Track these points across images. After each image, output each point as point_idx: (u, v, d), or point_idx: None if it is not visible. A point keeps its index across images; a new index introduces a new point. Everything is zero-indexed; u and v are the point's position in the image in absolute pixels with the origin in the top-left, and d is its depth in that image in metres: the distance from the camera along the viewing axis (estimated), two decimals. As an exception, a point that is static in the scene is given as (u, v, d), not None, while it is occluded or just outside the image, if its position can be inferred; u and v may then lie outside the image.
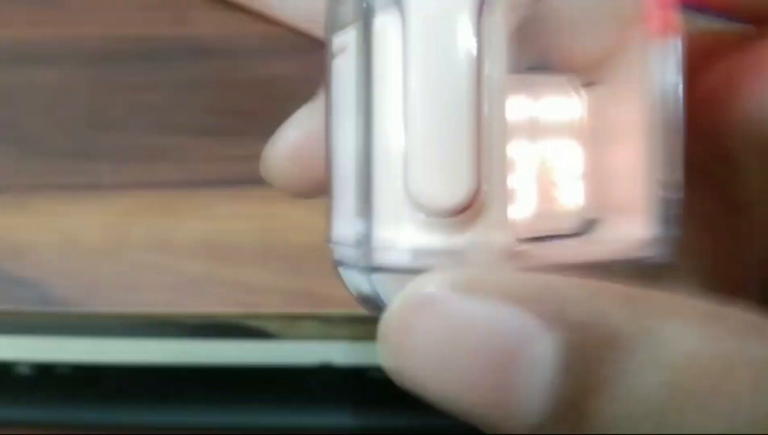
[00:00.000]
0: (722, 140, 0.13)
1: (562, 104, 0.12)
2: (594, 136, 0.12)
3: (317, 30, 0.44)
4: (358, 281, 0.12)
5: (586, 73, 0.12)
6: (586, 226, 0.12)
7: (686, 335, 0.09)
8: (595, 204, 0.12)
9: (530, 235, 0.11)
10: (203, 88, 0.42)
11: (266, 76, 0.42)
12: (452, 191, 0.10)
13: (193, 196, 0.35)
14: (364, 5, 0.10)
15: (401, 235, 0.11)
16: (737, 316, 0.10)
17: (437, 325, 0.10)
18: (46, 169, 0.37)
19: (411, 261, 0.11)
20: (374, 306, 0.12)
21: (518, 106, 0.11)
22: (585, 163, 0.12)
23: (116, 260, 0.33)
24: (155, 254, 0.33)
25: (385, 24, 0.10)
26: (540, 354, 0.09)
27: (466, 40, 0.10)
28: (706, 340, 0.09)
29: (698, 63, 0.13)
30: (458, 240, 0.10)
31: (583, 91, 0.12)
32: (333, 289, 0.31)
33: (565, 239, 0.12)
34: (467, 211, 0.10)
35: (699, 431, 0.09)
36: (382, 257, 0.11)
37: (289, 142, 0.16)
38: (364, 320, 0.31)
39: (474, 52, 0.10)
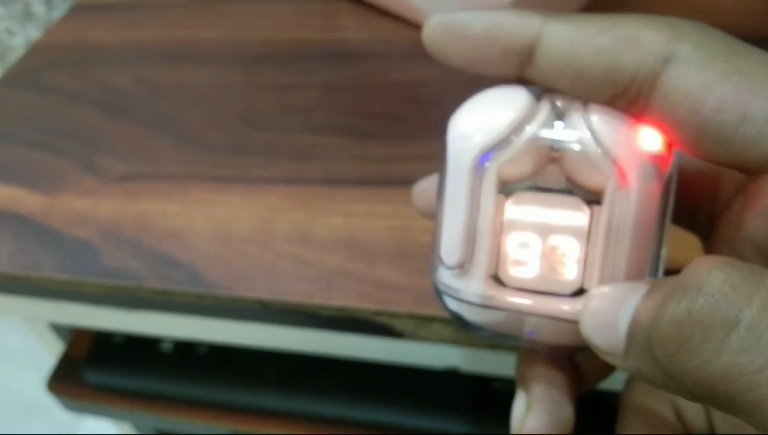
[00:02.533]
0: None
1: (571, 215, 0.18)
2: (596, 238, 0.18)
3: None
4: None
5: (592, 196, 0.18)
6: (576, 293, 0.18)
7: None
8: (587, 281, 0.18)
9: (529, 287, 0.18)
10: (349, 90, 0.44)
11: (409, 80, 0.43)
12: (451, 259, 0.19)
13: (334, 194, 0.36)
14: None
15: (439, 277, 0.20)
16: None
17: None
18: (203, 161, 0.39)
19: (441, 290, 0.20)
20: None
21: (535, 213, 0.18)
22: (582, 253, 0.18)
23: (261, 249, 0.34)
24: (297, 247, 0.34)
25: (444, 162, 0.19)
26: None
27: (467, 183, 0.18)
28: None
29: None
30: (456, 283, 0.19)
31: (592, 208, 0.18)
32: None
33: (555, 297, 0.18)
34: (458, 270, 0.19)
35: None
36: (438, 286, 0.20)
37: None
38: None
39: (470, 189, 0.18)
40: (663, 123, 0.16)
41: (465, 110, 0.18)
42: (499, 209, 0.18)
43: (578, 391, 0.21)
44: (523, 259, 0.18)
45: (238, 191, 0.37)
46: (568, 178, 0.18)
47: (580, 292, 0.18)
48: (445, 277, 0.19)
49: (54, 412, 0.51)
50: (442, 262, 0.19)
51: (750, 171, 0.16)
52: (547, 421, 0.20)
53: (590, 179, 0.17)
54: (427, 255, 0.33)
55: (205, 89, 0.45)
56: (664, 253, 0.18)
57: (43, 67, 0.50)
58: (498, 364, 0.37)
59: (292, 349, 0.39)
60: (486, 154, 0.18)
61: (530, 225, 0.18)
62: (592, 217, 0.18)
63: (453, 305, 0.19)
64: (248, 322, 0.35)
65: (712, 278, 0.14)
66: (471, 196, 0.18)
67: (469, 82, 0.45)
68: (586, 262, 0.18)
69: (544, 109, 0.18)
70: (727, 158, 0.16)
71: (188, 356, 0.42)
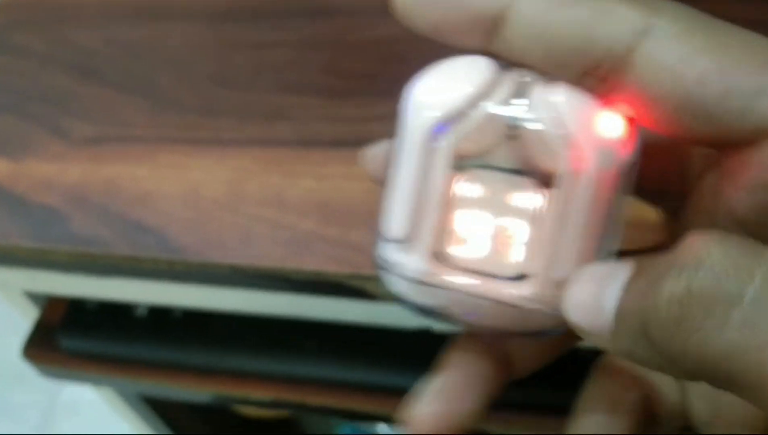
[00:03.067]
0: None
1: (523, 196, 0.17)
2: (546, 222, 0.17)
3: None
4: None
5: (546, 178, 0.17)
6: (519, 277, 0.18)
7: None
8: (532, 265, 0.17)
9: (472, 268, 0.18)
10: (322, 48, 0.42)
11: (383, 36, 0.42)
12: (395, 232, 0.18)
13: (307, 156, 0.36)
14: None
15: (381, 249, 0.19)
16: None
17: None
18: (173, 123, 0.38)
19: (380, 265, 0.19)
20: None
21: (485, 192, 0.18)
22: (530, 236, 0.17)
23: (233, 213, 0.34)
24: (269, 210, 0.33)
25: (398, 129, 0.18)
26: None
27: (419, 155, 0.17)
28: None
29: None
30: (398, 258, 0.18)
31: (545, 191, 0.17)
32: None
33: (498, 279, 0.18)
34: (401, 244, 0.18)
35: None
36: (377, 261, 0.19)
37: None
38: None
39: (421, 161, 0.17)
40: (637, 101, 0.16)
41: (424, 79, 0.18)
42: (448, 185, 0.17)
43: (505, 381, 0.21)
44: (468, 239, 0.18)
45: (209, 154, 0.37)
46: (524, 159, 0.17)
47: (522, 276, 0.18)
48: (388, 251, 0.18)
49: (34, 379, 0.50)
50: (384, 236, 0.18)
51: (732, 145, 0.16)
52: (439, 413, 0.20)
53: (546, 161, 0.17)
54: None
55: (176, 49, 0.44)
56: (615, 239, 0.18)
57: (8, 27, 0.48)
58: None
59: (267, 313, 0.38)
60: (440, 127, 0.17)
61: (479, 203, 0.18)
62: (544, 200, 0.17)
63: (393, 282, 0.19)
64: (222, 287, 0.35)
65: (712, 253, 0.13)
66: (421, 168, 0.17)
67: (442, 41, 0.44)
68: (533, 246, 0.17)
69: (506, 84, 0.17)
70: (709, 133, 0.15)
71: (163, 321, 0.42)
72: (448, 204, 0.18)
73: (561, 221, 0.17)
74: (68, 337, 0.43)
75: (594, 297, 0.16)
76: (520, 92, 0.17)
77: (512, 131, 0.17)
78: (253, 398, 0.44)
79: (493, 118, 0.17)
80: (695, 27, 0.15)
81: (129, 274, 0.35)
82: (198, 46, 0.44)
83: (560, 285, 0.17)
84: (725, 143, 0.16)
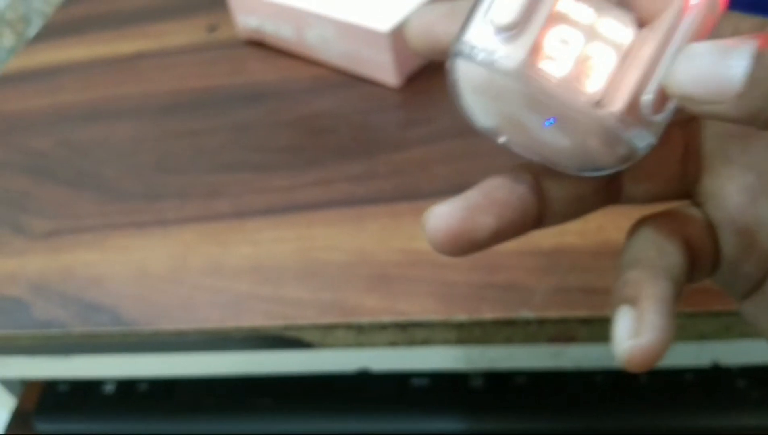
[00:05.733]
0: None
1: (619, 29, 0.18)
2: (629, 57, 0.18)
3: (354, 66, 0.48)
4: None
5: (645, 18, 0.18)
6: (593, 101, 0.18)
7: None
8: (612, 94, 0.18)
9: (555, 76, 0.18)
10: (255, 128, 0.47)
11: (309, 113, 0.47)
12: (506, 18, 0.18)
13: (243, 225, 0.40)
14: None
15: (472, 38, 0.18)
16: None
17: None
18: (120, 211, 0.42)
19: (468, 53, 0.18)
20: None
21: (585, 13, 0.18)
22: (614, 68, 0.18)
23: (177, 284, 0.37)
24: (209, 278, 0.37)
25: None
26: None
27: None
28: None
29: None
30: (498, 45, 0.18)
31: (637, 28, 0.18)
32: (365, 300, 0.34)
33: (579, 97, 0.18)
34: (510, 31, 0.18)
35: None
36: (464, 49, 0.18)
37: (421, 24, 0.21)
38: (398, 327, 0.34)
39: None
40: None
41: None
42: None
43: (533, 219, 0.21)
44: (556, 57, 0.18)
45: (154, 234, 0.40)
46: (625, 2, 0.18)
47: (598, 103, 0.18)
48: (485, 37, 0.18)
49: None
50: (494, 21, 0.18)
51: None
52: (459, 217, 0.19)
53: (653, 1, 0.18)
54: (328, 272, 0.36)
55: (122, 143, 0.48)
56: None
57: (-31, 141, 0.52)
58: (405, 359, 0.40)
59: (220, 374, 0.41)
60: None
61: (576, 24, 0.18)
62: (636, 37, 0.18)
63: (473, 69, 0.18)
64: (175, 354, 0.38)
65: None
66: None
67: (364, 108, 0.49)
68: (616, 77, 0.18)
69: None
70: None
71: (130, 395, 0.45)
72: (552, 14, 0.18)
73: (658, 58, 0.18)
74: (43, 421, 0.46)
75: (716, 67, 0.16)
76: None
77: None
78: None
79: None
80: None
81: (90, 350, 0.39)
82: (142, 138, 0.48)
83: (646, 107, 0.18)
84: None
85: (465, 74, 0.18)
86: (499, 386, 0.43)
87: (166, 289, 0.37)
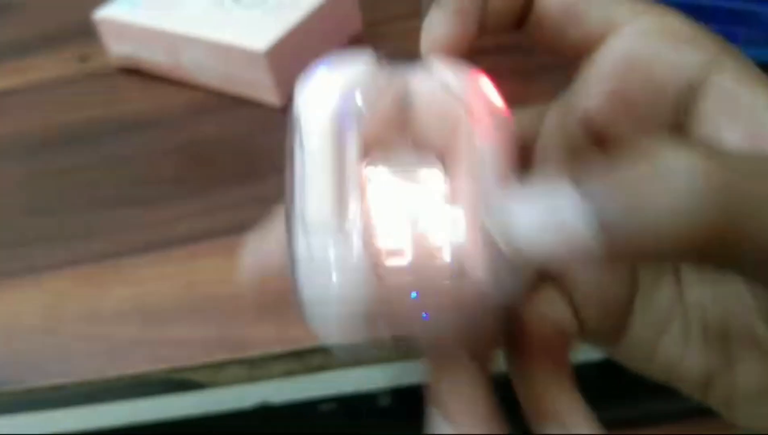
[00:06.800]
0: None
1: (431, 176, 0.17)
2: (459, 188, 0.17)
3: (233, 88, 0.46)
4: None
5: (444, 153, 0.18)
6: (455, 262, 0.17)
7: None
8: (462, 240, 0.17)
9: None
10: (133, 160, 0.45)
11: (189, 141, 0.45)
12: (322, 215, 0.16)
13: (120, 265, 0.37)
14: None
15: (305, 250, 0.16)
16: None
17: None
18: (-15, 261, 0.39)
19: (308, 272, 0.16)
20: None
21: (398, 175, 0.17)
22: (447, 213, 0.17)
23: (52, 336, 0.35)
24: (86, 325, 0.35)
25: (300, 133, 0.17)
26: None
27: (331, 150, 0.16)
28: None
29: None
30: (332, 251, 0.16)
31: (441, 165, 0.18)
32: (255, 331, 0.33)
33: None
34: (334, 232, 0.16)
35: None
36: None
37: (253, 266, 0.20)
38: (293, 355, 0.33)
39: (333, 153, 0.16)
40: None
41: (313, 77, 0.17)
42: (362, 171, 0.17)
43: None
44: (390, 232, 0.17)
45: (24, 283, 0.37)
46: (418, 143, 0.18)
47: (459, 260, 0.17)
48: (317, 248, 0.16)
49: None
50: (310, 226, 0.16)
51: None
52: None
53: (439, 134, 0.17)
54: (214, 306, 0.34)
55: (-13, 188, 0.45)
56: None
57: None
58: (305, 388, 0.38)
59: (108, 426, 0.39)
60: (343, 112, 0.17)
61: (392, 189, 0.17)
62: (444, 175, 0.18)
63: (329, 283, 0.16)
64: (55, 410, 0.35)
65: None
66: (334, 157, 0.16)
67: (247, 131, 0.47)
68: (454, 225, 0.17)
69: (388, 68, 0.18)
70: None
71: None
72: (365, 191, 0.17)
73: (475, 172, 0.17)
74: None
75: (550, 214, 0.14)
76: (407, 71, 0.18)
77: (407, 103, 0.17)
78: None
79: (390, 86, 0.17)
80: None
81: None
82: (8, 181, 0.45)
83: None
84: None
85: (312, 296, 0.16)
86: (408, 401, 0.42)
87: (40, 341, 0.34)
